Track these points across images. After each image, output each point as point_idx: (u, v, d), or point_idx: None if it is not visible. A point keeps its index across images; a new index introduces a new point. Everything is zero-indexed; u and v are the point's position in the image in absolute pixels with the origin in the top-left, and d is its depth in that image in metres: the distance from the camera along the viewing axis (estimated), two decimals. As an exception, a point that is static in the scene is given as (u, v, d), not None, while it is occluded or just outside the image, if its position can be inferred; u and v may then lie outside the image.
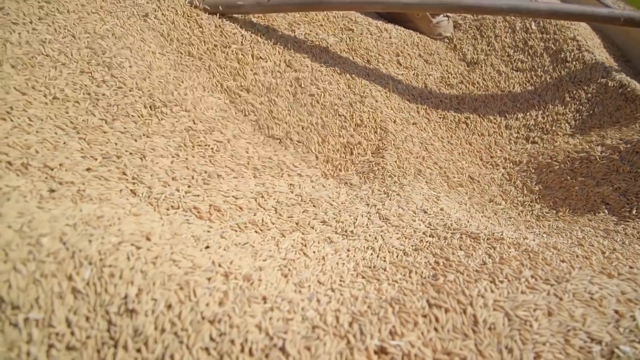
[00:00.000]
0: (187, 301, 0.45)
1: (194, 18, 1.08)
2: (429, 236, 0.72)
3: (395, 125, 1.06)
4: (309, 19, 1.21)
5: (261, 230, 0.66)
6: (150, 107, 0.77)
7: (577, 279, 0.57)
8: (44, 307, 0.43)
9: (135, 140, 0.71)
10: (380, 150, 0.99)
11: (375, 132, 1.03)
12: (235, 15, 1.16)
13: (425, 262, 0.63)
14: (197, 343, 0.42)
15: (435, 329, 0.48)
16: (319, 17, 1.22)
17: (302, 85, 1.06)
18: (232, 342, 0.43)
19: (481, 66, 1.29)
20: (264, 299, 0.49)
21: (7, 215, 0.49)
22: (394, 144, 1.00)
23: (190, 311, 0.44)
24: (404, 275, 0.59)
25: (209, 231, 0.60)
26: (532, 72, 1.26)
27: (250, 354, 0.42)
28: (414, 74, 1.21)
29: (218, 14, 1.12)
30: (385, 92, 1.13)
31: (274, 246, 0.62)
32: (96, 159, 0.64)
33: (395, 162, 0.97)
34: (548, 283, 0.56)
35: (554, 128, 1.15)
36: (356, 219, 0.75)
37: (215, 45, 1.06)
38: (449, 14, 1.37)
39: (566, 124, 1.15)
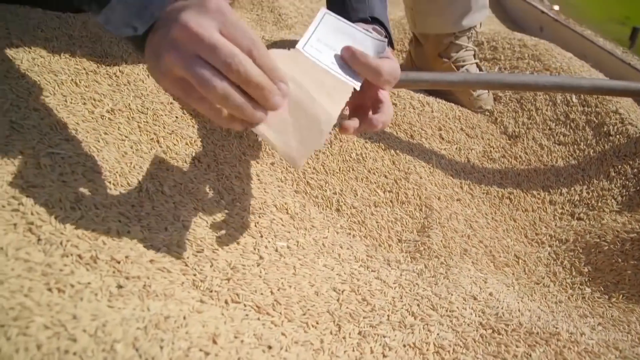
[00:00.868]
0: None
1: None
2: (483, 328, 0.72)
3: (439, 202, 1.06)
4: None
5: (317, 323, 0.66)
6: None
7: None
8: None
9: (194, 230, 0.73)
10: (426, 229, 0.99)
11: (421, 209, 1.03)
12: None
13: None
14: None
15: None
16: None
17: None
18: None
19: (523, 140, 1.30)
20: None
21: (82, 317, 0.50)
22: (439, 222, 1.00)
23: None
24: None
25: (270, 328, 0.61)
26: (575, 146, 1.26)
27: None
28: (456, 148, 1.23)
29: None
30: (429, 168, 1.14)
31: (335, 343, 0.62)
32: (159, 249, 0.66)
33: (441, 241, 0.97)
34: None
35: (599, 204, 1.14)
36: (410, 307, 0.75)
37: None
38: (489, 87, 1.39)
39: (612, 200, 1.14)
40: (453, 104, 1.33)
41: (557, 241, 1.08)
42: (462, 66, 1.34)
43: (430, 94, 1.34)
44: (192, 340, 0.51)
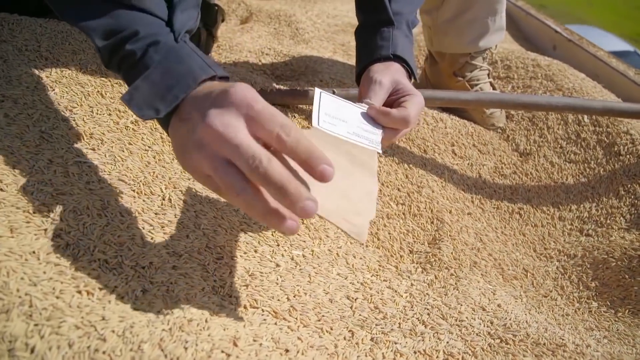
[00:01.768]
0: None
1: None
2: (492, 338, 0.74)
3: (451, 215, 1.08)
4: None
5: (331, 329, 0.69)
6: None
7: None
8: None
9: (214, 237, 0.75)
10: (437, 241, 1.01)
11: (432, 222, 1.06)
12: (301, 106, 1.22)
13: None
14: None
15: None
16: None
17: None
18: None
19: (534, 157, 1.31)
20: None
21: (111, 319, 0.53)
22: (450, 235, 1.02)
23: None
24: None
25: (287, 332, 0.63)
26: (585, 164, 1.28)
27: None
28: (468, 164, 1.25)
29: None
30: (442, 182, 1.17)
31: (348, 348, 0.65)
32: (181, 256, 0.69)
33: (452, 253, 0.99)
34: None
35: (608, 221, 1.16)
36: (421, 316, 0.77)
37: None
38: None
39: (621, 218, 1.15)
40: (466, 121, 1.35)
41: (566, 256, 1.10)
42: (476, 85, 1.37)
43: (444, 111, 1.36)
44: (214, 342, 0.53)
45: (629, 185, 1.19)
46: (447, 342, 0.74)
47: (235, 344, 0.54)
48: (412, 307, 0.80)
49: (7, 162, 0.71)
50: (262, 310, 0.66)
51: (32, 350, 0.49)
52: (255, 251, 0.77)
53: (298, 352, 0.59)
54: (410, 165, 1.18)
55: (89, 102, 0.91)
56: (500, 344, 0.76)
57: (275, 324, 0.65)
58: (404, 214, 1.07)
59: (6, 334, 0.49)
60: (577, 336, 0.82)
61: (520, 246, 1.12)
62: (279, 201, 0.47)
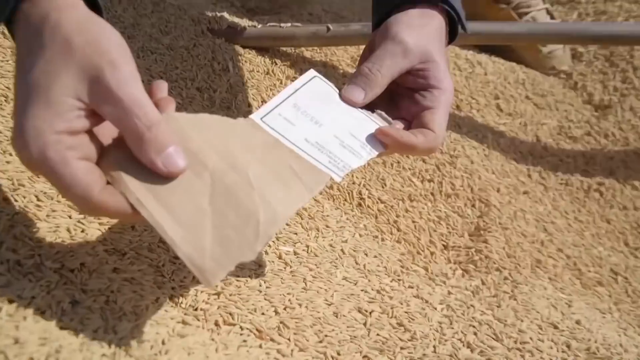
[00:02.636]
0: None
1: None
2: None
3: (499, 195, 1.08)
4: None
5: (338, 354, 0.69)
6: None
7: None
8: None
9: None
10: (482, 232, 1.01)
11: (473, 205, 1.06)
12: (285, 49, 1.22)
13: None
14: None
15: None
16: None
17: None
18: None
19: (616, 111, 1.32)
20: None
21: (28, 342, 0.52)
22: (499, 223, 1.03)
23: None
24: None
25: (277, 359, 0.63)
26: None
27: None
28: (520, 123, 1.25)
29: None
30: (483, 150, 1.17)
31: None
32: (125, 254, 0.68)
33: (504, 248, 0.99)
34: None
35: None
36: (464, 336, 0.77)
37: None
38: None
39: None
40: (515, 64, 1.35)
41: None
42: (526, 13, 1.36)
43: (484, 50, 1.36)
44: (176, 372, 0.53)
45: None
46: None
47: (205, 374, 0.54)
48: (451, 324, 0.80)
49: None
50: (241, 328, 0.66)
51: None
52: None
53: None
54: (441, 127, 1.18)
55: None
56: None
57: (260, 346, 0.65)
58: (432, 194, 1.07)
59: None
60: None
61: (604, 238, 1.12)
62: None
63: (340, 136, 0.68)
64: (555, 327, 0.83)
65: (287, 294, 0.74)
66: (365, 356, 0.71)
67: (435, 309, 0.83)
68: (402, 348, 0.74)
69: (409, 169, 1.08)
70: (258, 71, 1.15)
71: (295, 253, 0.82)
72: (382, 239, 0.97)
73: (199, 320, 0.65)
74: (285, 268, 0.79)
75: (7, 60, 0.90)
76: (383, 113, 0.74)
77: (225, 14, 1.24)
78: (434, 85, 0.74)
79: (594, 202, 1.17)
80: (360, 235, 0.94)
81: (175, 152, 0.54)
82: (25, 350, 0.52)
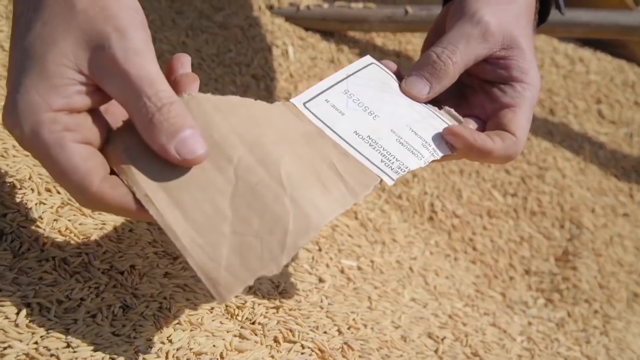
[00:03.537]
0: None
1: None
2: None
3: (594, 216, 1.12)
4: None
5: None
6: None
7: None
8: None
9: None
10: (570, 257, 1.05)
11: (562, 226, 1.09)
12: (353, 34, 1.26)
13: None
14: None
15: None
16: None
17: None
18: None
19: None
20: None
21: (80, 347, 0.58)
22: (592, 248, 1.06)
23: None
24: None
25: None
26: None
27: None
28: (626, 134, 1.28)
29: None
30: (578, 162, 1.20)
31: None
32: (176, 258, 0.74)
33: (595, 278, 1.02)
34: None
35: None
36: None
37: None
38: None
39: None
40: (624, 62, 1.38)
41: None
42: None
43: (587, 44, 1.39)
44: (237, 389, 0.59)
45: None
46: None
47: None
48: (532, 358, 0.84)
49: None
50: (302, 347, 0.71)
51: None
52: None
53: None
54: (528, 133, 1.21)
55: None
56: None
57: (325, 370, 0.70)
58: (515, 210, 1.11)
59: None
60: None
61: None
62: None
63: (398, 131, 0.66)
64: (657, 373, 0.86)
65: (351, 312, 0.79)
66: (436, 387, 0.76)
67: (515, 340, 0.87)
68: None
69: (490, 180, 1.12)
70: (322, 58, 1.20)
71: (359, 268, 0.87)
72: (455, 259, 1.01)
73: (256, 334, 0.70)
74: (348, 284, 0.83)
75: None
76: (452, 110, 0.71)
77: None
78: (518, 78, 0.70)
79: None
80: (431, 253, 0.98)
81: (191, 137, 0.52)
82: (78, 355, 0.57)
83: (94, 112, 0.54)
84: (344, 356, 0.73)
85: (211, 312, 0.70)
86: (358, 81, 0.68)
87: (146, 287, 0.69)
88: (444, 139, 0.67)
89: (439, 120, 0.69)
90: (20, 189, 0.72)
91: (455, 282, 0.94)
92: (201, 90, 0.58)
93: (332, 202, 0.58)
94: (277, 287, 0.77)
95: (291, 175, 0.57)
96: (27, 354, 0.57)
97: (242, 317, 0.72)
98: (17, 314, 0.60)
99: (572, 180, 1.15)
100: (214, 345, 0.64)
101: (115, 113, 0.57)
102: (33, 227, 0.70)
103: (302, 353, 0.71)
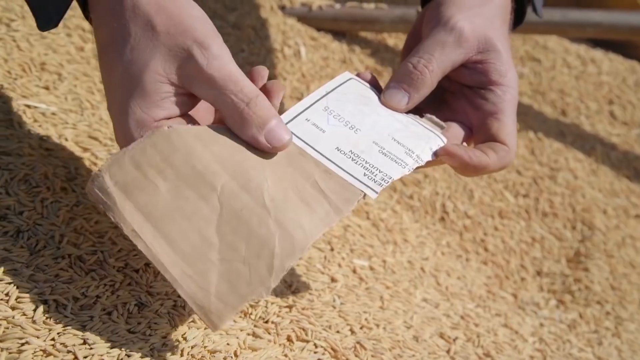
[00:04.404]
0: None
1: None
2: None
3: (606, 217, 1.12)
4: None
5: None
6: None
7: None
8: None
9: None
10: (582, 259, 1.05)
11: (574, 227, 1.10)
12: (365, 34, 1.27)
13: None
14: None
15: None
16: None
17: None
18: None
19: None
20: None
21: (97, 343, 0.60)
22: (604, 250, 1.07)
23: None
24: None
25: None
26: None
27: None
28: (638, 135, 1.28)
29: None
30: (590, 164, 1.20)
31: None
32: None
33: (607, 279, 1.03)
34: None
35: None
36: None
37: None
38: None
39: None
40: (637, 63, 1.38)
41: None
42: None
43: (599, 45, 1.40)
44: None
45: None
46: None
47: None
48: (544, 359, 0.85)
49: None
50: (315, 346, 0.72)
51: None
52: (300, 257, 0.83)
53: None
54: (539, 134, 1.22)
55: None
56: None
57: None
58: (526, 211, 1.11)
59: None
60: None
61: None
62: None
63: (380, 142, 0.66)
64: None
65: (364, 312, 0.80)
66: (448, 387, 0.77)
67: (527, 341, 0.87)
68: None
69: (501, 181, 1.13)
70: (334, 59, 1.21)
71: (371, 268, 0.88)
72: (467, 259, 1.02)
73: (269, 333, 0.71)
74: (360, 284, 0.84)
75: (59, 33, 0.98)
76: (433, 117, 0.71)
77: (298, -8, 1.29)
78: (496, 82, 0.70)
79: None
80: (443, 254, 0.99)
81: (277, 126, 0.59)
82: (95, 352, 0.58)
83: (187, 116, 0.62)
84: (356, 355, 0.74)
85: (225, 312, 0.71)
86: (337, 97, 0.68)
87: (160, 285, 0.70)
88: (427, 145, 0.67)
89: (421, 127, 0.69)
90: (36, 187, 0.74)
91: (467, 283, 0.95)
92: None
93: (317, 221, 0.59)
94: (289, 287, 0.78)
95: (275, 198, 0.58)
96: (44, 350, 0.58)
97: (256, 316, 0.73)
98: (34, 310, 0.61)
99: (583, 182, 1.16)
100: (227, 344, 0.65)
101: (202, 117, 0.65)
102: (49, 225, 0.71)
103: (315, 352, 0.72)
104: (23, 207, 0.72)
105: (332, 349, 0.73)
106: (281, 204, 0.58)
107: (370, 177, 0.63)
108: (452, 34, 0.69)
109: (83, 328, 0.61)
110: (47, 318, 0.61)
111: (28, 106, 0.83)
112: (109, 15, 0.60)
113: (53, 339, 0.59)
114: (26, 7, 0.95)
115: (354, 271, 0.86)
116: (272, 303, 0.75)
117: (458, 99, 0.74)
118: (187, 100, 0.60)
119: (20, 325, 0.59)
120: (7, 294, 0.62)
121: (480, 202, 1.09)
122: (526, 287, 1.01)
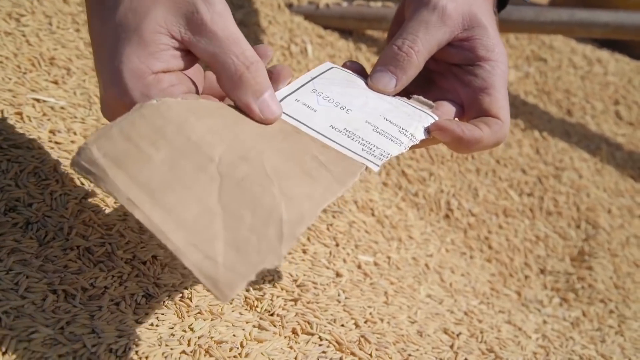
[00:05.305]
0: None
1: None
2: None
3: (610, 217, 1.13)
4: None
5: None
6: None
7: None
8: None
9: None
10: (586, 257, 1.06)
11: (578, 226, 1.11)
12: (371, 32, 1.28)
13: None
14: None
15: None
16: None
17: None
18: None
19: None
20: None
21: (105, 333, 0.61)
22: (608, 249, 1.08)
23: None
24: None
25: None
26: None
27: None
28: (642, 135, 1.29)
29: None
30: (595, 163, 1.21)
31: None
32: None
33: (611, 278, 1.04)
34: None
35: None
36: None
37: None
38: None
39: None
40: (643, 63, 1.39)
41: None
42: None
43: (605, 45, 1.41)
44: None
45: None
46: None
47: (287, 382, 0.62)
48: (547, 355, 0.86)
49: None
50: (320, 339, 0.73)
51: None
52: (305, 252, 0.84)
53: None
54: (544, 133, 1.23)
55: (44, 8, 0.99)
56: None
57: (341, 359, 0.73)
58: (531, 210, 1.12)
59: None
60: None
61: None
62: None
63: (373, 121, 0.65)
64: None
65: (368, 306, 0.81)
66: (451, 381, 0.78)
67: (530, 337, 0.88)
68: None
69: (506, 179, 1.14)
70: (340, 57, 1.22)
71: (375, 264, 0.89)
72: (471, 257, 1.03)
73: (275, 326, 0.72)
74: (365, 279, 0.86)
75: (68, 29, 0.99)
76: (421, 97, 0.70)
77: (307, -11, 1.30)
78: (484, 57, 0.69)
79: None
80: (447, 251, 1.00)
81: (271, 97, 0.59)
82: (103, 341, 0.60)
83: (183, 75, 0.60)
84: (360, 349, 0.75)
85: (231, 303, 0.72)
86: (323, 82, 0.67)
87: (168, 277, 0.71)
88: (420, 124, 0.66)
89: (411, 107, 0.68)
90: (45, 179, 0.75)
91: (471, 280, 0.96)
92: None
93: (322, 190, 0.57)
94: (295, 281, 0.79)
95: (276, 168, 0.56)
96: (53, 339, 0.59)
97: (261, 308, 0.74)
98: (44, 300, 0.63)
99: (588, 181, 1.17)
100: (234, 335, 0.67)
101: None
102: (58, 217, 0.72)
103: (320, 345, 0.73)
104: (32, 199, 0.73)
105: (337, 342, 0.74)
106: (283, 173, 0.56)
107: (369, 152, 0.62)
108: (435, 12, 0.68)
109: (91, 318, 0.63)
110: (56, 307, 0.63)
111: (37, 100, 0.84)
112: None
113: (62, 328, 0.61)
114: (35, 2, 0.97)
115: (359, 267, 0.87)
116: (278, 296, 0.76)
117: (446, 78, 0.73)
118: (183, 57, 0.58)
119: (29, 314, 0.61)
120: (16, 284, 0.63)
121: (484, 200, 1.10)
122: (530, 284, 1.02)
